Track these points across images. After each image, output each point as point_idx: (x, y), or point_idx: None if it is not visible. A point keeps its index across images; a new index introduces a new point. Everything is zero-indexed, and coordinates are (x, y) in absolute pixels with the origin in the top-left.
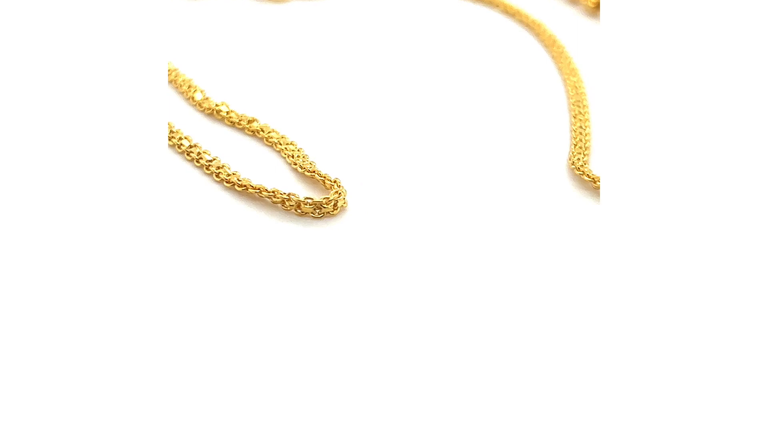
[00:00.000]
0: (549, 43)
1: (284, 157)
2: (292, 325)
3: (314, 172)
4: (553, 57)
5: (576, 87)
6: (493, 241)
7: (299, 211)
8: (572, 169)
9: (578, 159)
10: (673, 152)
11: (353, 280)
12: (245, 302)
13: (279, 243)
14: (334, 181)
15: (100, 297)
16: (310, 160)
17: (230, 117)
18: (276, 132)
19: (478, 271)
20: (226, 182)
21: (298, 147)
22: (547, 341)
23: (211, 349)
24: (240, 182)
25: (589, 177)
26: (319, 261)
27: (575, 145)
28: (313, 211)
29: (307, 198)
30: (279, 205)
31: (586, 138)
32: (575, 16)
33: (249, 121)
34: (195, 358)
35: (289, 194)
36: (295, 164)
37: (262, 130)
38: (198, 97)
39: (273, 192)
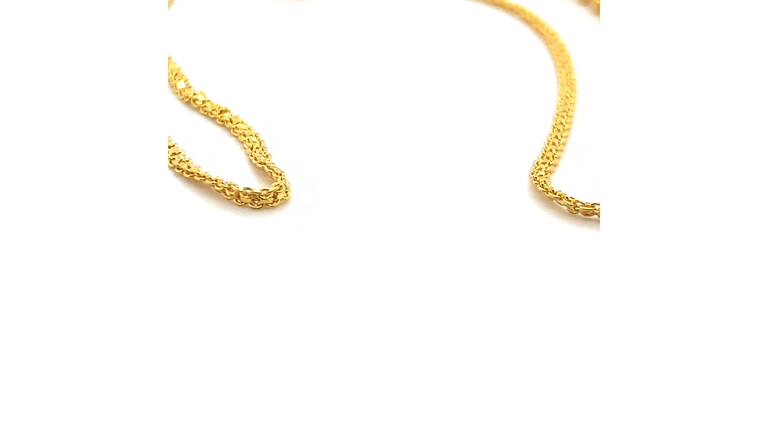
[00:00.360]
0: (557, 52)
1: (245, 149)
2: (206, 311)
3: (264, 164)
4: (556, 66)
5: (567, 98)
6: (434, 241)
7: (239, 201)
8: (530, 179)
9: (540, 169)
10: (657, 171)
11: (278, 273)
12: (166, 284)
13: (212, 231)
14: (279, 174)
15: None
16: (266, 152)
17: (205, 106)
18: (244, 123)
19: (411, 271)
20: (177, 168)
21: (260, 139)
22: (485, 332)
23: (133, 325)
24: (189, 169)
25: (543, 187)
26: (247, 251)
27: (542, 156)
28: (252, 202)
29: (247, 188)
30: (222, 194)
31: (558, 149)
32: (597, 27)
33: (221, 112)
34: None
35: (229, 184)
36: (252, 155)
37: (231, 121)
38: (180, 85)
39: (215, 180)
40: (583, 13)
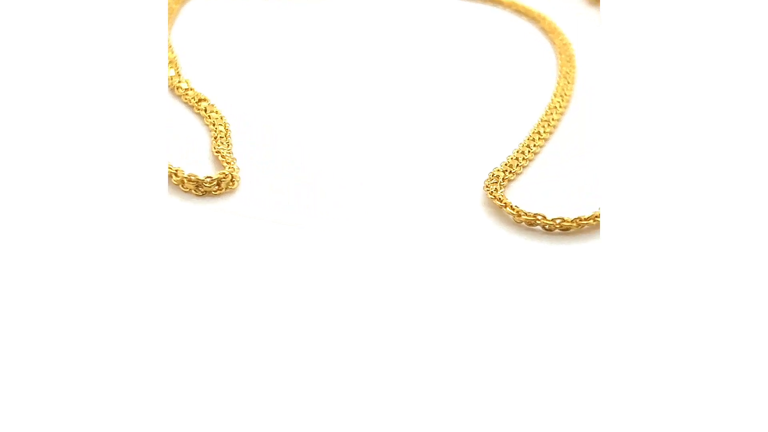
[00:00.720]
0: (563, 62)
1: (211, 138)
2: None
3: (219, 152)
4: (558, 77)
5: (554, 108)
6: (379, 238)
7: (184, 187)
8: (484, 186)
9: (496, 176)
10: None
11: (208, 260)
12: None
13: (147, 214)
14: (228, 163)
15: None
16: (229, 141)
17: (186, 94)
18: (217, 113)
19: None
20: None
21: (227, 129)
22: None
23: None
24: None
25: (493, 195)
26: (178, 236)
27: (505, 164)
28: (195, 189)
29: (191, 175)
30: (170, 179)
31: (527, 158)
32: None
33: (199, 101)
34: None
35: (176, 169)
36: (213, 144)
37: (206, 110)
38: (170, 73)
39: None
40: None
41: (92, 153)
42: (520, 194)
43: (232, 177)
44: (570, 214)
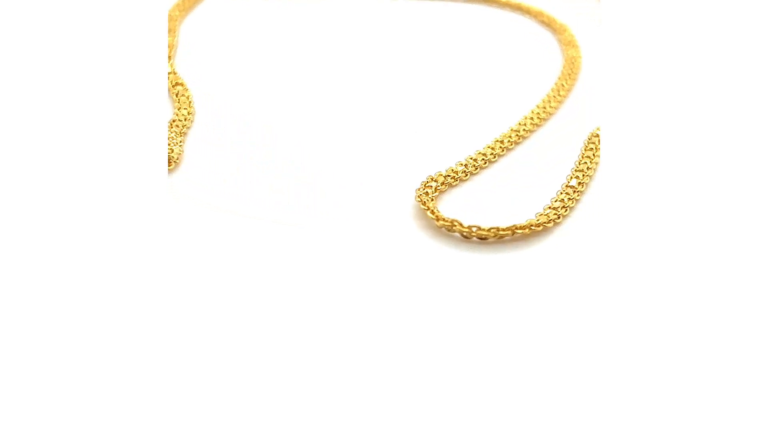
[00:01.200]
0: (565, 75)
1: (170, 120)
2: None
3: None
4: (553, 88)
5: (530, 119)
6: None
7: None
8: (415, 189)
9: (434, 180)
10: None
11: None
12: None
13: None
14: (170, 143)
15: None
16: (184, 124)
17: (167, 77)
18: (187, 99)
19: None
20: None
21: (190, 113)
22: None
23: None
24: None
25: (420, 198)
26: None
27: (451, 169)
28: None
29: None
30: None
31: (474, 167)
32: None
33: (175, 84)
34: None
35: None
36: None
37: (177, 94)
38: None
39: None
40: None
41: (85, 138)
42: (466, 201)
43: (169, 158)
44: (487, 224)
